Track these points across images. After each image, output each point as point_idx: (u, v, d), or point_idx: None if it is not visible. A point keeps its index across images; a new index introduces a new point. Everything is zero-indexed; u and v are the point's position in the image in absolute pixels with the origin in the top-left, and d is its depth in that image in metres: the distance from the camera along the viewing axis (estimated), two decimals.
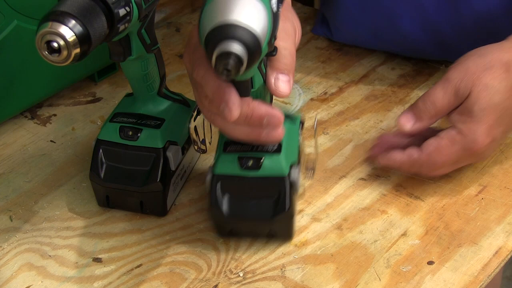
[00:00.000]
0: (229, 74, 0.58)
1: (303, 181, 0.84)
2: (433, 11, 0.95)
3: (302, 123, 0.81)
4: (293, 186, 0.74)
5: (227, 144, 0.75)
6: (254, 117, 0.69)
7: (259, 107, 0.68)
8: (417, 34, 0.98)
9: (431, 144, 0.80)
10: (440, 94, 0.79)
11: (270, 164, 0.74)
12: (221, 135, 0.77)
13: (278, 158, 0.74)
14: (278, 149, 0.74)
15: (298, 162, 0.78)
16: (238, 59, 0.58)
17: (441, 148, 0.79)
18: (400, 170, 0.84)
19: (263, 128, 0.70)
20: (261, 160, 0.74)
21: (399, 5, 0.96)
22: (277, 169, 0.74)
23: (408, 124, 0.81)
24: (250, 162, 0.74)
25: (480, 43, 0.83)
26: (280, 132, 0.70)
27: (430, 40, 0.98)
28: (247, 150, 0.74)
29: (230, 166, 0.74)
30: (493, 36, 0.85)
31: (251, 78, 0.69)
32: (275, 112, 0.69)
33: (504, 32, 0.83)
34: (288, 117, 0.79)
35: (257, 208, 0.74)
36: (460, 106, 0.79)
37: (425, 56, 1.02)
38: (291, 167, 0.74)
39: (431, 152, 0.80)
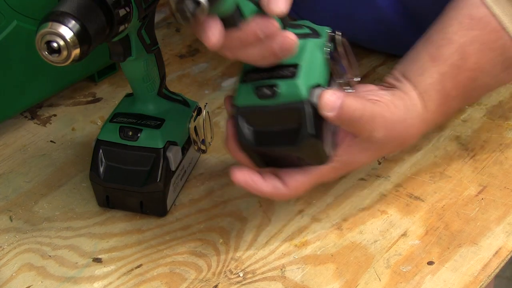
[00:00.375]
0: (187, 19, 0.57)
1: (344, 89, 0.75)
2: (385, 5, 0.96)
3: (332, 35, 0.74)
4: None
5: (246, 73, 0.71)
6: (248, 34, 0.66)
7: (250, 23, 0.65)
8: (371, 27, 0.98)
9: (298, 180, 0.74)
10: (362, 112, 0.72)
11: (286, 90, 0.68)
12: (244, 64, 0.72)
13: (293, 82, 0.68)
14: (294, 73, 0.68)
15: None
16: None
17: (307, 185, 0.75)
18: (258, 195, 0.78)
19: (265, 42, 0.66)
20: (276, 88, 0.68)
21: None
22: (293, 95, 0.68)
23: (335, 103, 0.71)
24: (266, 91, 0.69)
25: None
26: (287, 39, 0.66)
27: (384, 34, 0.99)
28: (265, 78, 0.69)
29: (249, 97, 0.69)
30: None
31: (238, 8, 0.64)
32: (267, 21, 0.65)
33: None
34: (314, 31, 0.73)
35: (282, 136, 0.70)
36: (353, 145, 0.75)
37: (382, 49, 1.03)
38: (312, 88, 0.69)
39: (296, 188, 0.75)
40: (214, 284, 0.75)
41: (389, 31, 0.99)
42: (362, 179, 0.86)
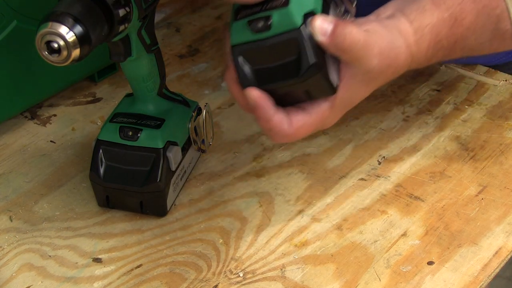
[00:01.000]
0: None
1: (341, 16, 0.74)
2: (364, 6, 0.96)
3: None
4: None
5: (238, 11, 0.69)
6: None
7: None
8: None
9: (300, 120, 0.72)
10: (357, 40, 0.71)
11: (280, 20, 0.66)
12: (234, 5, 0.70)
13: (286, 11, 0.66)
14: (286, 1, 0.66)
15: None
16: None
17: (308, 126, 0.73)
18: (260, 126, 0.74)
19: None
20: (269, 18, 0.67)
21: None
22: (288, 23, 0.67)
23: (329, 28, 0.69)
24: (260, 24, 0.67)
25: None
26: None
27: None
28: (257, 12, 0.67)
29: (243, 34, 0.68)
30: None
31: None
32: None
33: None
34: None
35: (283, 70, 0.68)
36: (352, 77, 0.73)
37: None
38: (307, 16, 0.67)
39: (298, 128, 0.72)
40: (214, 284, 0.75)
41: None
42: (362, 179, 0.86)
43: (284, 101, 0.71)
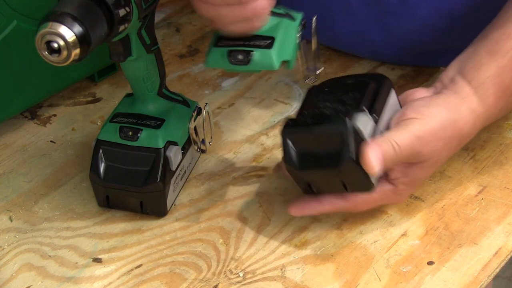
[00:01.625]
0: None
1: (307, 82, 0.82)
2: (364, 21, 0.96)
3: (303, 22, 0.79)
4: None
5: (220, 39, 0.74)
6: None
7: None
8: (348, 36, 0.99)
9: (359, 196, 0.76)
10: (407, 146, 0.74)
11: (261, 58, 0.72)
12: (215, 31, 0.76)
13: (268, 52, 0.72)
14: (270, 44, 0.72)
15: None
16: None
17: (369, 201, 0.77)
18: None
19: (239, 5, 0.69)
20: (251, 54, 0.72)
21: (333, 6, 0.97)
22: (267, 64, 0.72)
23: (378, 165, 0.73)
24: (240, 56, 0.72)
25: (407, 51, 0.88)
26: (260, 4, 0.69)
27: (360, 43, 1.00)
28: (239, 45, 0.73)
29: (221, 61, 0.73)
30: (419, 47, 0.89)
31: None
32: None
33: (430, 46, 0.83)
34: (289, 14, 0.77)
35: (324, 159, 0.72)
36: (410, 167, 0.76)
37: (358, 55, 1.03)
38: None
39: (357, 203, 0.77)
40: (214, 284, 0.75)
41: (369, 45, 0.99)
42: None
43: (323, 190, 0.76)
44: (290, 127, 0.73)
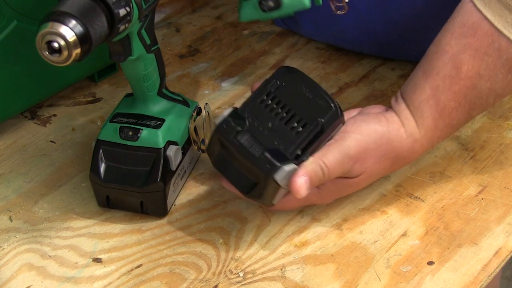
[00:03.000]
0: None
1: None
2: (365, 10, 0.96)
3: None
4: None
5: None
6: None
7: None
8: (352, 31, 0.99)
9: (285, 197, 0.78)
10: (337, 166, 0.75)
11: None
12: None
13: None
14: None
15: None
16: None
17: (294, 201, 0.78)
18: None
19: None
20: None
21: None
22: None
23: (305, 191, 0.74)
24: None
25: (411, 41, 0.88)
26: None
27: (364, 37, 1.00)
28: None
29: (254, 11, 0.76)
30: (421, 34, 0.88)
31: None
32: None
33: (429, 32, 0.83)
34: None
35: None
36: (340, 178, 0.78)
37: (364, 51, 1.03)
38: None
39: (283, 203, 0.78)
40: (214, 284, 0.75)
41: (373, 37, 0.99)
42: None
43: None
44: (225, 133, 0.74)
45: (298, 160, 0.74)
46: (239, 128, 0.74)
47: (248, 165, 0.74)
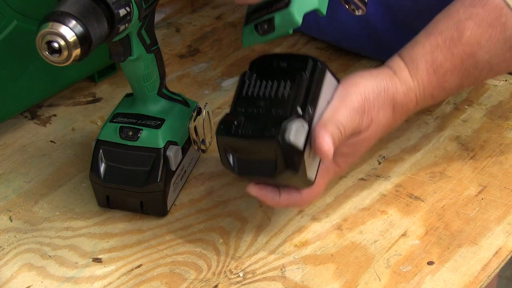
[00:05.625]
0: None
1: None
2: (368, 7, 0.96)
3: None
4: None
5: (248, 15, 0.78)
6: None
7: None
8: (354, 29, 0.99)
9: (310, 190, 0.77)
10: (349, 122, 0.75)
11: (281, 21, 0.75)
12: (248, 7, 0.79)
13: (287, 12, 0.74)
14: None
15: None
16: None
17: (318, 188, 0.77)
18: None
19: None
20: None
21: None
22: (289, 23, 0.75)
23: (332, 151, 0.73)
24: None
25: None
26: None
27: (366, 36, 0.99)
28: (263, 14, 0.76)
29: (252, 37, 0.76)
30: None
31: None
32: None
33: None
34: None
35: (261, 167, 0.74)
36: (350, 138, 0.76)
37: (363, 52, 1.03)
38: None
39: (310, 194, 0.77)
40: (214, 284, 0.75)
41: (373, 35, 0.99)
42: (362, 179, 0.86)
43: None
44: (225, 131, 0.73)
45: (304, 117, 0.72)
46: (236, 122, 0.73)
47: (260, 146, 0.72)
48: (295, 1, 0.74)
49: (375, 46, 1.01)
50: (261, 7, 0.75)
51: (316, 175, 0.76)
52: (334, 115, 0.74)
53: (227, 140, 0.73)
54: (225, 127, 0.73)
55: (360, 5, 0.81)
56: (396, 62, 0.79)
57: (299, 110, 0.72)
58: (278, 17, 0.74)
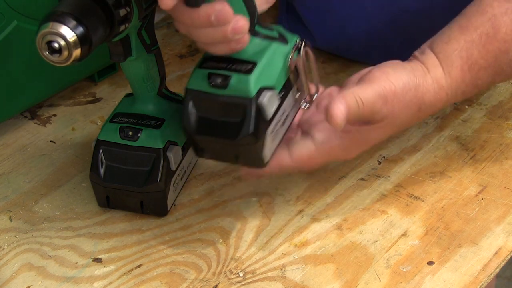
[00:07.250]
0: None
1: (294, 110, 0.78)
2: (376, 16, 0.96)
3: (298, 46, 0.75)
4: (261, 110, 0.70)
5: (205, 60, 0.73)
6: (202, 16, 0.67)
7: (207, 7, 0.67)
8: (362, 39, 0.99)
9: (302, 151, 0.76)
10: (369, 104, 0.74)
11: (237, 84, 0.70)
12: (205, 52, 0.74)
13: (246, 78, 0.70)
14: (250, 69, 0.71)
15: (283, 87, 0.74)
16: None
17: (315, 156, 0.76)
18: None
19: (216, 26, 0.68)
20: (229, 79, 0.70)
21: (346, 7, 0.96)
22: (242, 90, 0.70)
23: (343, 119, 0.72)
24: (218, 80, 0.71)
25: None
26: (238, 23, 0.68)
27: (374, 45, 0.99)
28: (221, 68, 0.71)
29: (201, 82, 0.72)
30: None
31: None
32: (221, 6, 0.67)
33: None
34: (282, 36, 0.75)
35: (223, 127, 0.71)
36: (364, 124, 0.76)
37: (370, 62, 1.03)
38: (262, 90, 0.70)
39: (303, 159, 0.76)
40: (214, 284, 0.75)
41: (380, 44, 0.99)
42: (362, 179, 0.86)
43: (215, 156, 0.75)
44: (195, 91, 0.71)
45: (280, 92, 0.71)
46: (195, 110, 0.72)
47: (232, 103, 0.70)
48: (257, 71, 0.70)
49: (383, 55, 1.01)
50: (222, 59, 0.72)
51: (269, 161, 0.74)
52: (357, 90, 0.74)
53: (196, 94, 0.72)
54: (192, 123, 0.72)
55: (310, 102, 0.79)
56: (430, 58, 0.78)
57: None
58: (235, 78, 0.70)
